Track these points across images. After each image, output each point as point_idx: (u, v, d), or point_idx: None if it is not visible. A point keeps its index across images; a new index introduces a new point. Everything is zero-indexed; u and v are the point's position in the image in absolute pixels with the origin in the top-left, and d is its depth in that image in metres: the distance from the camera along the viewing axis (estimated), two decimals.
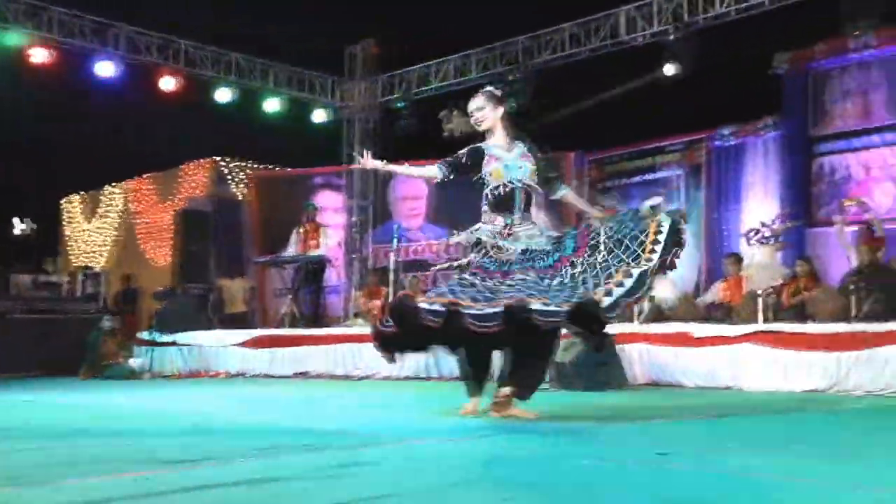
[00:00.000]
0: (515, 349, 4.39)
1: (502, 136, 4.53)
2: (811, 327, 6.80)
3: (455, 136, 4.65)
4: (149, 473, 2.67)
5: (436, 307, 4.09)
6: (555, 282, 4.21)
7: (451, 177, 4.54)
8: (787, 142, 11.04)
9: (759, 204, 11.26)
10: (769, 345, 6.80)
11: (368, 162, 4.64)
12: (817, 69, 10.78)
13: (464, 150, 4.55)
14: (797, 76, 10.88)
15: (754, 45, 10.85)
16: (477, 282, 4.27)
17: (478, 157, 4.49)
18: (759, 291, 7.54)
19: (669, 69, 10.17)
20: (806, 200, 10.77)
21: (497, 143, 4.53)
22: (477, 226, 4.50)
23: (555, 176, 4.64)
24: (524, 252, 4.37)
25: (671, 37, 10.03)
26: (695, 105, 11.43)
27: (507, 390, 4.32)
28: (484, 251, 4.43)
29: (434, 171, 4.55)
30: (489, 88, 4.61)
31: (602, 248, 4.29)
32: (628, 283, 4.13)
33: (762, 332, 6.92)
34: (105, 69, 11.17)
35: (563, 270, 4.29)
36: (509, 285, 4.18)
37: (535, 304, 3.95)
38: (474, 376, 4.54)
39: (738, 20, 9.87)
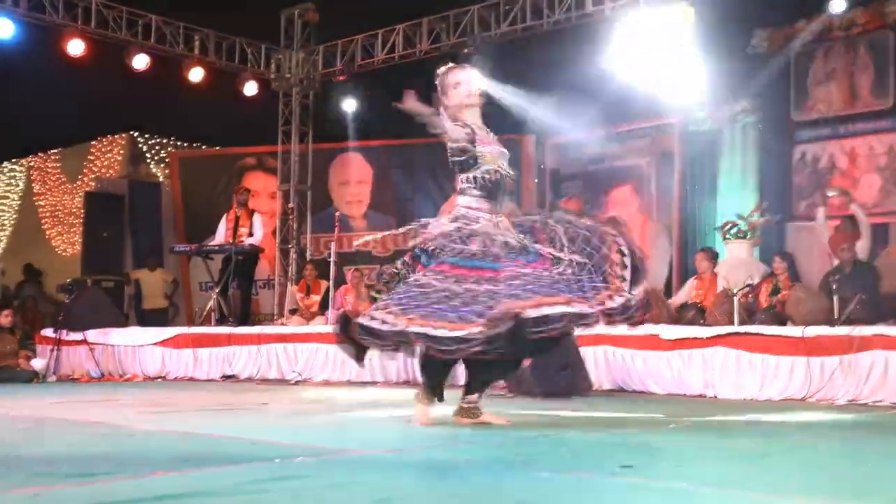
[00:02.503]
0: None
1: (478, 116, 4.57)
2: (790, 330, 6.91)
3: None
4: (48, 489, 2.59)
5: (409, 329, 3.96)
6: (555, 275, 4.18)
7: (472, 146, 4.42)
8: (765, 128, 11.20)
9: (736, 195, 11.41)
10: (744, 349, 6.90)
11: (409, 101, 4.39)
12: (799, 48, 10.96)
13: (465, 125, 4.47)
14: (777, 56, 11.04)
15: (731, 21, 10.98)
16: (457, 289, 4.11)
17: (473, 134, 4.47)
18: (734, 290, 7.64)
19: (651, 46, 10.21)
20: (786, 192, 10.95)
21: (476, 123, 4.54)
22: (462, 212, 4.40)
23: None
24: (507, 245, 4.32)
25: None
26: (667, 86, 11.51)
27: (474, 396, 4.38)
28: (461, 245, 4.31)
29: (458, 133, 4.41)
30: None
31: (565, 262, 4.24)
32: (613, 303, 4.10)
33: (737, 334, 7.01)
34: (2, 29, 10.84)
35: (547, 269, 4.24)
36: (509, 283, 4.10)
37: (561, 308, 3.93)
38: (436, 379, 4.39)
39: None
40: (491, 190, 4.44)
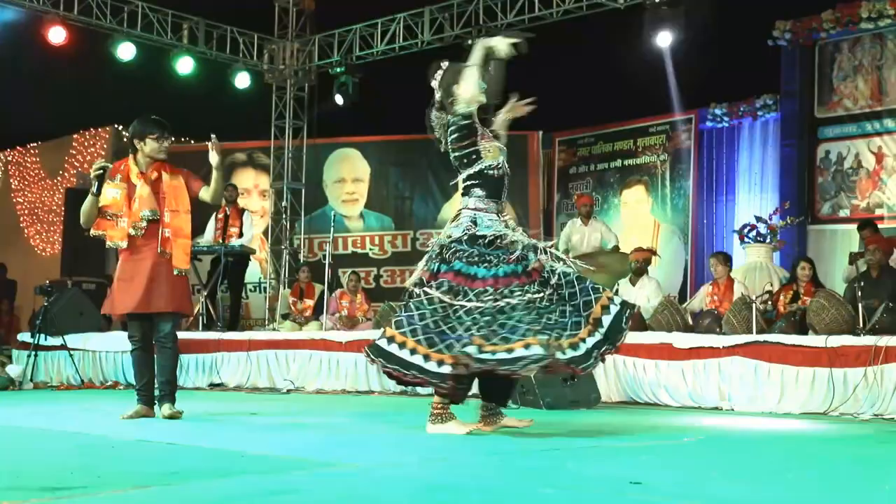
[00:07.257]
0: None
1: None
2: (811, 339, 6.90)
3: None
4: None
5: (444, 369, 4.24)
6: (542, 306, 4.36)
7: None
8: (787, 124, 11.21)
9: (755, 196, 11.42)
10: (763, 359, 6.89)
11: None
12: (824, 41, 10.95)
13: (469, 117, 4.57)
14: (801, 48, 11.04)
15: (752, 11, 10.98)
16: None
17: (475, 129, 4.56)
18: (753, 297, 7.63)
19: (665, 38, 10.23)
20: (808, 193, 10.95)
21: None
22: (472, 215, 4.49)
23: None
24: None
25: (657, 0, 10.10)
26: (682, 80, 11.53)
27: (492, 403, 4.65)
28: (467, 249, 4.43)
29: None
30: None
31: (551, 291, 4.40)
32: (582, 347, 4.30)
33: (755, 343, 7.00)
34: None
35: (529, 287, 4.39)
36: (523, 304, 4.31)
37: (566, 353, 4.19)
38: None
39: None
40: (496, 187, 4.50)
